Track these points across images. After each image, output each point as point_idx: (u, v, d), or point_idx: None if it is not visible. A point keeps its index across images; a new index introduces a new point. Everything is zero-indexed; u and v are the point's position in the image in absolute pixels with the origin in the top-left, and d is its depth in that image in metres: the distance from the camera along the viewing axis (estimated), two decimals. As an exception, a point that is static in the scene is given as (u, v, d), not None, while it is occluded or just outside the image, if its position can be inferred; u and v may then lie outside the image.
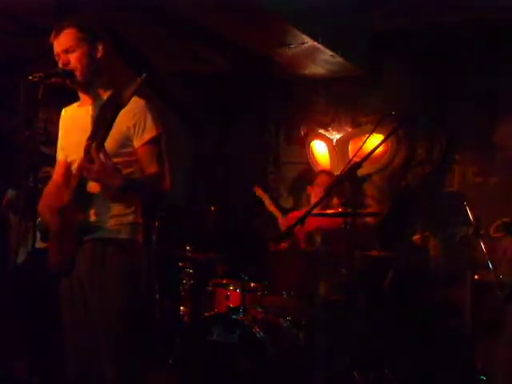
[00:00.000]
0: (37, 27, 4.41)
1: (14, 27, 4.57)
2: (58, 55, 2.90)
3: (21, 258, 3.54)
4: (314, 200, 5.11)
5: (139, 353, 2.93)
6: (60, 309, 2.97)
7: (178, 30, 4.79)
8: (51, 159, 3.22)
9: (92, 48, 2.92)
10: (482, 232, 4.55)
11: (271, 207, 5.57)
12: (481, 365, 4.46)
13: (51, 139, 3.21)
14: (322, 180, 5.25)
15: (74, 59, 2.87)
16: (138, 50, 5.33)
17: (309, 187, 5.38)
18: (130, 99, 2.66)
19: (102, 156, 2.65)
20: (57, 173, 3.11)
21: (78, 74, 2.89)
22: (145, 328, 2.99)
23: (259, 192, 5.67)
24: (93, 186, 2.84)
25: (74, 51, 2.88)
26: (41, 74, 2.73)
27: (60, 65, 2.89)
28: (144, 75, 2.66)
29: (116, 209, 2.88)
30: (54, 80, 2.81)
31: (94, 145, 2.67)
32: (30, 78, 2.71)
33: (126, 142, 2.87)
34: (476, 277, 4.85)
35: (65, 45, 2.88)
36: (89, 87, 2.95)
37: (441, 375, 4.86)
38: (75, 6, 4.23)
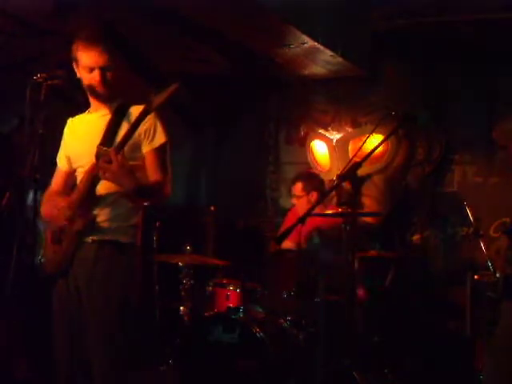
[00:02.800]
0: (37, 28, 4.41)
1: (14, 27, 4.57)
2: (92, 68, 2.92)
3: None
4: (300, 211, 5.00)
5: (135, 353, 2.96)
6: (52, 309, 3.00)
7: (178, 30, 4.79)
8: (51, 160, 3.24)
9: (118, 67, 2.98)
10: (481, 232, 4.55)
11: None
12: (481, 365, 4.46)
13: (51, 140, 3.22)
14: (294, 190, 5.18)
15: (110, 77, 2.94)
16: (139, 50, 5.33)
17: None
18: (157, 107, 2.75)
19: (119, 157, 2.71)
20: (58, 178, 3.17)
21: (101, 86, 2.95)
22: (141, 329, 3.01)
23: None
24: (100, 189, 2.87)
25: (109, 70, 2.93)
26: (44, 75, 2.76)
27: (91, 77, 2.93)
28: (177, 85, 2.72)
29: (120, 211, 2.94)
30: (56, 81, 2.84)
31: (113, 147, 2.76)
32: (35, 78, 2.74)
33: (135, 147, 2.94)
34: (476, 277, 4.85)
35: (102, 63, 2.92)
36: (102, 96, 3.01)
37: (441, 375, 4.86)
38: (75, 6, 4.23)
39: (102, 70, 2.92)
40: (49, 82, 2.77)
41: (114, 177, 2.76)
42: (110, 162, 2.72)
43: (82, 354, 2.91)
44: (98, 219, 2.91)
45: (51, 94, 2.77)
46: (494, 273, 4.02)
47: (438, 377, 4.87)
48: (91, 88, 2.96)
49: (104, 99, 3.01)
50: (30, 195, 4.22)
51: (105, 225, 2.91)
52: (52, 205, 2.97)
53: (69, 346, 2.94)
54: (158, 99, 2.73)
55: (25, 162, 2.72)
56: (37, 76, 2.76)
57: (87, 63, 2.93)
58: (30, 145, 2.73)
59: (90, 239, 2.90)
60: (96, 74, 2.92)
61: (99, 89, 2.95)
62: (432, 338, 5.21)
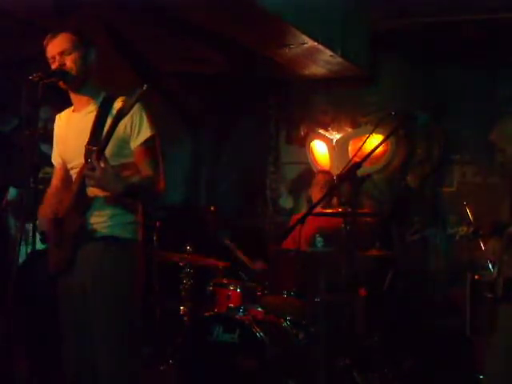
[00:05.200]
0: (36, 27, 4.41)
1: (13, 27, 4.58)
2: (53, 58, 2.93)
3: (20, 259, 3.55)
4: (314, 201, 5.09)
5: (137, 352, 2.96)
6: (58, 308, 2.99)
7: (178, 29, 4.79)
8: (51, 159, 3.23)
9: (86, 52, 2.95)
10: (481, 232, 4.54)
11: (241, 255, 5.16)
12: (481, 365, 4.46)
13: (51, 138, 3.23)
14: (319, 179, 5.24)
15: (69, 61, 2.91)
16: (139, 50, 5.33)
17: (310, 190, 5.36)
18: (131, 109, 2.73)
19: (102, 163, 2.70)
20: (55, 177, 3.16)
21: (64, 68, 2.91)
22: (144, 327, 3.01)
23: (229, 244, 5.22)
24: (94, 190, 2.87)
25: (69, 54, 2.91)
26: (40, 74, 2.76)
27: (55, 67, 2.91)
28: (145, 86, 2.71)
29: (117, 209, 2.92)
30: (52, 80, 2.83)
31: (94, 153, 2.72)
32: (31, 77, 2.73)
33: (123, 144, 2.91)
34: (476, 277, 4.85)
35: (61, 47, 2.91)
36: (82, 90, 2.98)
37: (441, 375, 4.86)
38: (75, 6, 4.23)
39: (61, 54, 2.90)
40: (45, 81, 2.77)
41: (98, 184, 2.75)
42: (93, 169, 2.71)
43: (87, 353, 2.90)
44: (97, 219, 2.90)
45: (49, 92, 2.77)
46: (494, 273, 4.02)
47: (438, 377, 4.87)
48: (60, 75, 2.89)
49: (75, 85, 2.95)
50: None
51: (104, 224, 2.90)
52: (50, 205, 2.96)
53: (75, 345, 2.94)
54: (129, 103, 2.72)
55: (24, 162, 2.71)
56: (33, 75, 2.74)
57: (50, 55, 2.93)
58: (28, 144, 2.72)
59: (90, 238, 2.89)
60: (57, 59, 2.91)
61: (69, 73, 2.90)
62: (432, 337, 5.21)
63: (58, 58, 2.90)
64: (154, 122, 2.94)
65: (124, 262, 2.91)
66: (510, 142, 3.46)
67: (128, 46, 5.18)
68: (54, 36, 2.93)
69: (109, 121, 2.83)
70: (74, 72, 2.90)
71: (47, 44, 2.95)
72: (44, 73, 2.79)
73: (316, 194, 5.15)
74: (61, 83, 2.92)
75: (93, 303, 2.88)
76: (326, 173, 5.43)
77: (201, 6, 4.24)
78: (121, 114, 2.74)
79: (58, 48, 2.91)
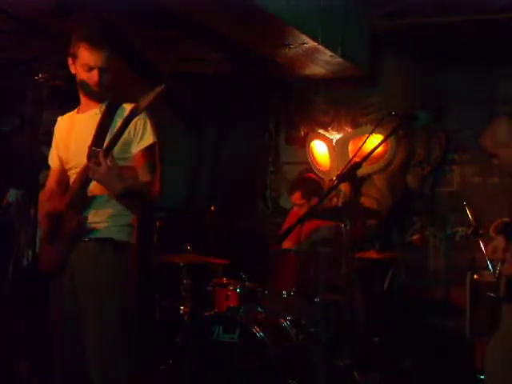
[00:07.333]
0: (37, 27, 4.41)
1: (14, 27, 4.58)
2: (88, 66, 2.91)
3: (24, 259, 3.56)
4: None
5: (130, 354, 2.95)
6: (51, 309, 3.00)
7: (178, 30, 4.79)
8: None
9: (116, 69, 2.98)
10: (481, 232, 4.55)
11: None
12: (480, 365, 4.46)
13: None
14: (297, 200, 5.19)
15: (104, 79, 2.93)
16: (139, 49, 5.33)
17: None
18: (144, 110, 2.75)
19: (108, 161, 2.71)
20: (52, 179, 3.16)
21: (97, 86, 2.94)
22: (138, 329, 3.01)
23: None
24: (93, 189, 2.87)
25: (107, 71, 2.93)
26: (46, 75, 2.76)
27: (86, 76, 2.92)
28: (163, 86, 2.70)
29: (114, 211, 2.93)
30: (57, 82, 2.84)
31: (102, 149, 2.74)
32: (36, 78, 2.74)
33: (124, 147, 2.92)
34: (476, 277, 4.86)
35: (105, 63, 2.92)
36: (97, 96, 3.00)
37: (441, 375, 4.87)
38: (76, 6, 4.23)
39: (101, 70, 2.91)
40: (51, 83, 2.77)
41: (102, 179, 2.77)
42: (99, 164, 2.72)
43: (80, 355, 2.90)
44: (94, 219, 2.91)
45: (53, 94, 2.77)
46: (494, 273, 4.02)
47: (438, 377, 4.87)
48: (85, 85, 2.94)
49: (96, 98, 2.99)
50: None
51: (100, 225, 2.91)
52: (46, 205, 2.96)
53: (66, 346, 2.95)
54: (145, 101, 2.73)
55: (25, 162, 2.72)
56: (38, 76, 2.75)
57: (88, 62, 2.92)
58: (30, 145, 2.73)
59: (86, 239, 2.90)
60: (95, 74, 2.91)
61: (95, 88, 2.94)
62: (432, 338, 5.22)
63: (96, 71, 2.90)
64: (157, 128, 2.96)
65: (118, 264, 2.92)
66: (501, 146, 3.46)
67: (128, 46, 5.18)
68: (99, 47, 2.91)
69: (118, 121, 2.84)
70: (98, 87, 2.93)
71: (85, 49, 2.91)
72: (50, 74, 2.79)
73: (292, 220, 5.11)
74: (81, 92, 2.93)
75: (86, 304, 2.89)
76: (303, 184, 5.32)
77: (201, 6, 4.24)
78: (135, 113, 2.75)
79: (101, 62, 2.91)
